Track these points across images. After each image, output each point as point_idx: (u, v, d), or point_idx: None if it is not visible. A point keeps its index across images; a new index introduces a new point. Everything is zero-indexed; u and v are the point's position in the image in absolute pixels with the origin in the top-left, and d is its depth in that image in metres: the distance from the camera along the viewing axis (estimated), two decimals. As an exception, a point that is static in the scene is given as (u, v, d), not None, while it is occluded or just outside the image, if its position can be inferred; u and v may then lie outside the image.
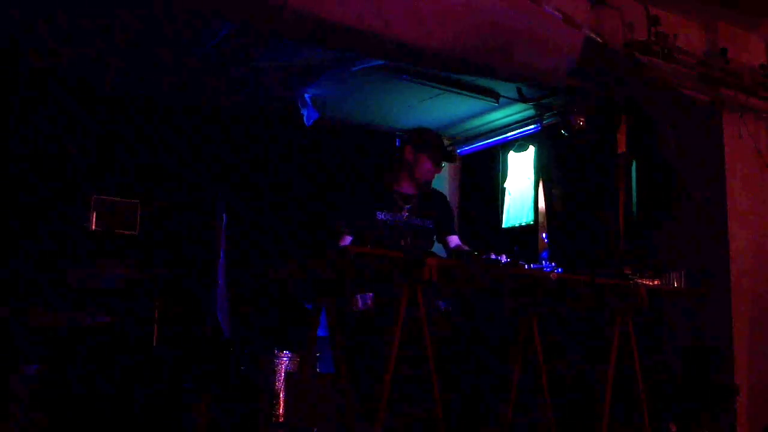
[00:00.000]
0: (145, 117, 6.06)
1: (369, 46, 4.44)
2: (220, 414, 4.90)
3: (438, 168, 4.39)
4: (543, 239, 4.40)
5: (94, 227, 5.64)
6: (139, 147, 6.02)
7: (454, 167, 7.25)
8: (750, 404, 5.33)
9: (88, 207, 5.64)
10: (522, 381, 4.30)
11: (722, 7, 5.64)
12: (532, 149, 6.62)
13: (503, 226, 6.78)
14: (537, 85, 5.70)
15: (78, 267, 5.40)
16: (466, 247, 4.36)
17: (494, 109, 6.40)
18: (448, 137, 6.93)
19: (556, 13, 4.78)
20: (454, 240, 4.39)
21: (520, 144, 6.72)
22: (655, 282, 4.45)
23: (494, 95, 6.12)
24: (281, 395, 5.04)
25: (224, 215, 5.92)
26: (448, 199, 4.75)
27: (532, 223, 6.45)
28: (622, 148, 5.68)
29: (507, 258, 3.86)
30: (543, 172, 6.42)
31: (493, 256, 3.83)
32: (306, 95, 5.96)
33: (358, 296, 4.04)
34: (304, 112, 6.02)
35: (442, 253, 4.38)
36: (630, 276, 4.45)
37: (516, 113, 6.49)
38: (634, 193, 5.62)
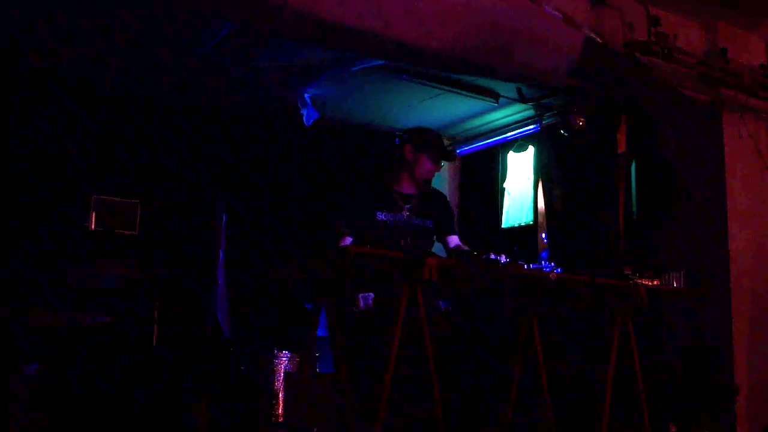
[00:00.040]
0: (145, 117, 6.06)
1: (369, 46, 4.44)
2: (220, 414, 4.90)
3: (438, 167, 4.40)
4: (542, 239, 4.41)
5: (94, 227, 5.63)
6: (139, 147, 6.02)
7: (454, 167, 7.25)
8: (750, 404, 5.33)
9: (88, 207, 5.63)
10: (522, 381, 4.30)
11: (722, 7, 5.64)
12: (531, 149, 6.62)
13: (503, 226, 6.78)
14: (537, 85, 5.70)
15: (78, 267, 5.40)
16: (466, 247, 4.37)
17: (494, 109, 6.39)
18: (448, 137, 6.93)
19: (556, 13, 4.78)
20: (453, 240, 4.39)
21: (519, 144, 6.71)
22: (655, 282, 4.45)
23: (494, 95, 6.11)
24: (281, 395, 5.04)
25: (224, 215, 5.92)
26: (448, 199, 4.75)
27: (531, 223, 6.45)
28: (622, 148, 5.68)
29: (506, 258, 3.86)
30: (542, 172, 6.42)
31: (492, 256, 3.84)
32: (306, 95, 5.96)
33: (360, 296, 4.04)
34: (304, 112, 6.02)
35: (442, 253, 4.38)
36: (630, 276, 4.45)
37: (516, 113, 6.49)
38: (634, 193, 5.62)
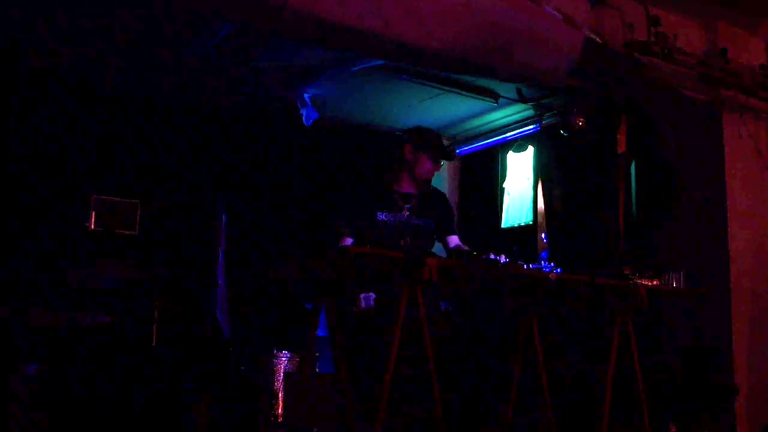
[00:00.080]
0: (145, 117, 6.06)
1: (369, 46, 4.45)
2: (220, 414, 4.90)
3: (438, 167, 4.40)
4: (542, 239, 4.41)
5: (94, 227, 5.63)
6: (139, 147, 6.02)
7: (454, 167, 7.25)
8: (750, 404, 5.33)
9: (88, 207, 5.63)
10: (522, 381, 4.30)
11: (722, 8, 5.64)
12: (531, 149, 6.62)
13: (502, 226, 6.78)
14: (537, 85, 5.70)
15: (78, 267, 5.40)
16: (466, 248, 4.36)
17: (494, 109, 6.39)
18: (448, 137, 6.92)
19: (556, 13, 4.78)
20: (454, 240, 4.39)
21: (519, 144, 6.71)
22: (655, 282, 4.45)
23: (494, 95, 6.11)
24: (281, 395, 5.04)
25: (224, 215, 5.92)
26: (448, 198, 4.75)
27: (531, 223, 6.44)
28: (622, 148, 5.68)
29: (506, 258, 3.86)
30: (542, 172, 6.42)
31: (492, 256, 3.84)
32: (306, 95, 5.96)
33: (362, 296, 4.04)
34: (304, 112, 6.02)
35: (442, 253, 4.38)
36: (630, 276, 4.45)
37: (515, 113, 6.49)
38: (634, 193, 5.62)
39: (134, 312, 5.37)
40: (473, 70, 5.10)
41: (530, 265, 3.93)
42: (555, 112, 6.09)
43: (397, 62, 5.27)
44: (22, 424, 4.47)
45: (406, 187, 4.34)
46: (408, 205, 4.29)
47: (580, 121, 5.67)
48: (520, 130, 6.62)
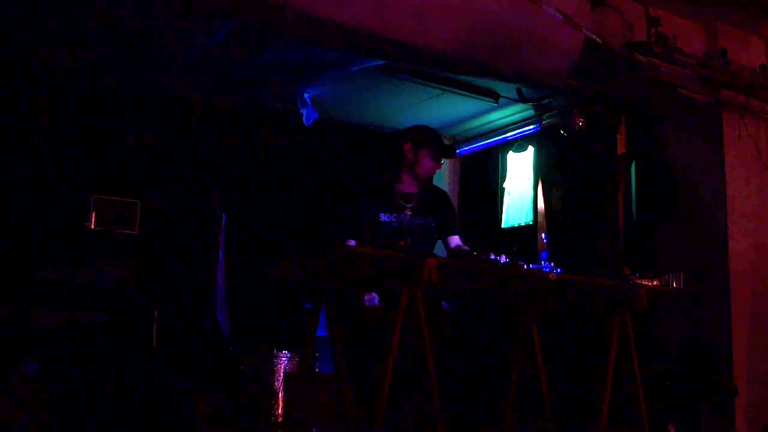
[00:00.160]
0: (145, 117, 6.06)
1: (369, 46, 4.45)
2: (220, 414, 4.90)
3: (438, 164, 4.38)
4: (542, 239, 4.41)
5: (93, 227, 5.64)
6: (139, 147, 6.02)
7: (454, 168, 7.25)
8: (749, 404, 5.33)
9: (88, 207, 5.63)
10: (522, 381, 4.30)
11: (722, 8, 5.64)
12: (531, 149, 6.63)
13: (502, 226, 6.78)
14: (537, 85, 5.70)
15: (78, 267, 5.40)
16: (467, 248, 4.36)
17: (494, 109, 6.40)
18: (448, 137, 6.93)
19: (557, 13, 4.78)
20: (454, 240, 4.37)
21: (519, 144, 6.72)
22: (655, 282, 4.45)
23: (494, 95, 6.12)
24: (281, 395, 5.04)
25: (224, 215, 5.92)
26: (450, 198, 4.72)
27: (531, 223, 6.45)
28: (621, 149, 5.69)
29: (506, 258, 3.86)
30: (542, 172, 6.42)
31: (492, 256, 3.83)
32: (306, 95, 5.96)
33: (366, 297, 4.04)
34: (304, 112, 6.02)
35: (443, 253, 4.37)
36: (630, 276, 4.45)
37: (515, 113, 6.49)
38: (634, 194, 5.62)
39: (134, 312, 5.38)
40: (473, 70, 5.11)
41: (530, 265, 3.93)
42: (555, 112, 6.09)
43: (397, 62, 5.27)
44: (22, 424, 4.47)
45: (407, 186, 4.33)
46: (409, 204, 4.28)
47: (580, 121, 5.68)
48: (520, 130, 6.62)
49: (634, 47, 5.25)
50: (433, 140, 4.37)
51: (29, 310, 4.85)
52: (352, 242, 4.09)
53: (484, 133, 6.93)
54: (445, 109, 6.37)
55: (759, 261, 5.61)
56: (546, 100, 6.08)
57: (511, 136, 6.74)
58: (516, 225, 6.66)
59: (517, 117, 6.54)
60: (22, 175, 5.59)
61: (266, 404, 5.02)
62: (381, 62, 5.21)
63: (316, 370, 5.13)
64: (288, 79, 5.67)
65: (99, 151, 5.89)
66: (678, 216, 5.64)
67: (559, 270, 3.96)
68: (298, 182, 6.64)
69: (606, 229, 5.62)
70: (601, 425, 4.23)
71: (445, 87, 5.87)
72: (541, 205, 6.02)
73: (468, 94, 6.02)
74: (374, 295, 4.05)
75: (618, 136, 5.68)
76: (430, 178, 4.43)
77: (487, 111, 6.47)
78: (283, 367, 5.08)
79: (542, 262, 4.04)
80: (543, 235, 4.49)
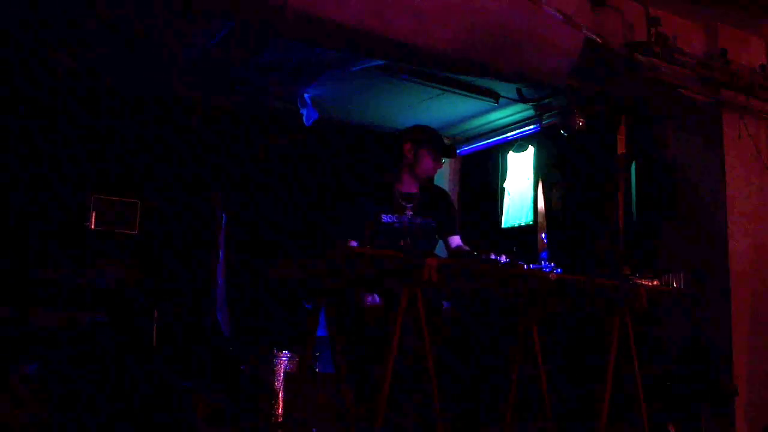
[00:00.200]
0: (145, 117, 6.07)
1: (369, 46, 4.45)
2: (220, 414, 4.90)
3: (438, 164, 4.37)
4: (542, 239, 4.41)
5: (93, 227, 5.64)
6: (139, 147, 6.02)
7: (454, 168, 7.25)
8: (749, 404, 5.33)
9: (88, 207, 5.63)
10: (522, 381, 4.30)
11: (722, 8, 5.64)
12: (531, 149, 6.63)
13: (502, 226, 6.78)
14: (537, 85, 5.70)
15: (78, 267, 5.41)
16: (467, 248, 4.36)
17: (494, 109, 6.40)
18: (448, 137, 6.93)
19: (557, 13, 4.78)
20: (455, 240, 4.37)
21: (519, 144, 6.72)
22: (655, 282, 4.45)
23: (494, 95, 6.12)
24: (281, 395, 5.04)
25: (224, 215, 5.93)
26: (451, 198, 4.72)
27: (531, 223, 6.45)
28: (621, 149, 5.69)
29: (506, 258, 3.86)
30: (542, 172, 6.42)
31: (492, 256, 3.83)
32: (306, 95, 5.96)
33: (368, 298, 4.04)
34: (304, 112, 6.02)
35: (444, 253, 4.37)
36: (630, 276, 4.45)
37: (515, 113, 6.49)
38: (634, 194, 5.62)
39: (134, 312, 5.38)
40: (473, 71, 5.11)
41: (530, 265, 3.93)
42: (555, 112, 6.09)
43: (397, 62, 5.27)
44: (22, 424, 4.47)
45: (408, 186, 4.32)
46: (410, 204, 4.27)
47: (580, 121, 5.68)
48: (520, 130, 6.62)
49: (634, 47, 5.25)
50: (433, 140, 4.36)
51: (29, 310, 4.85)
52: (354, 243, 4.09)
53: (484, 133, 6.93)
54: (445, 109, 6.37)
55: (759, 261, 5.61)
56: (546, 100, 6.08)
57: (511, 136, 6.75)
58: (516, 225, 6.66)
59: (517, 117, 6.54)
60: (22, 175, 5.59)
61: (266, 404, 5.02)
62: (381, 62, 5.21)
63: (316, 370, 5.13)
64: (288, 79, 5.67)
65: (99, 151, 5.89)
66: (678, 216, 5.64)
67: (559, 270, 3.96)
68: (299, 182, 6.64)
69: (606, 229, 5.63)
70: (601, 425, 4.23)
71: (445, 87, 5.87)
72: (541, 205, 6.02)
73: (468, 94, 6.03)
74: (375, 295, 4.05)
75: (618, 136, 5.68)
76: (431, 178, 4.43)
77: (487, 111, 6.47)
78: (283, 367, 5.08)
79: (542, 262, 4.04)
80: (543, 235, 4.49)
